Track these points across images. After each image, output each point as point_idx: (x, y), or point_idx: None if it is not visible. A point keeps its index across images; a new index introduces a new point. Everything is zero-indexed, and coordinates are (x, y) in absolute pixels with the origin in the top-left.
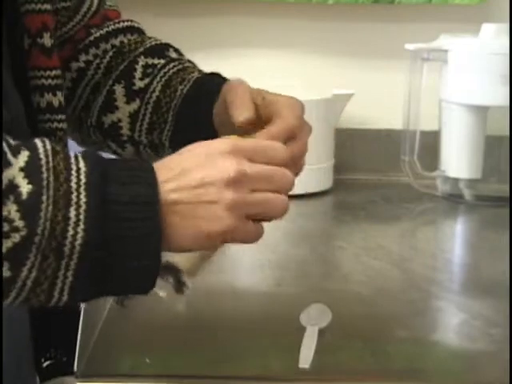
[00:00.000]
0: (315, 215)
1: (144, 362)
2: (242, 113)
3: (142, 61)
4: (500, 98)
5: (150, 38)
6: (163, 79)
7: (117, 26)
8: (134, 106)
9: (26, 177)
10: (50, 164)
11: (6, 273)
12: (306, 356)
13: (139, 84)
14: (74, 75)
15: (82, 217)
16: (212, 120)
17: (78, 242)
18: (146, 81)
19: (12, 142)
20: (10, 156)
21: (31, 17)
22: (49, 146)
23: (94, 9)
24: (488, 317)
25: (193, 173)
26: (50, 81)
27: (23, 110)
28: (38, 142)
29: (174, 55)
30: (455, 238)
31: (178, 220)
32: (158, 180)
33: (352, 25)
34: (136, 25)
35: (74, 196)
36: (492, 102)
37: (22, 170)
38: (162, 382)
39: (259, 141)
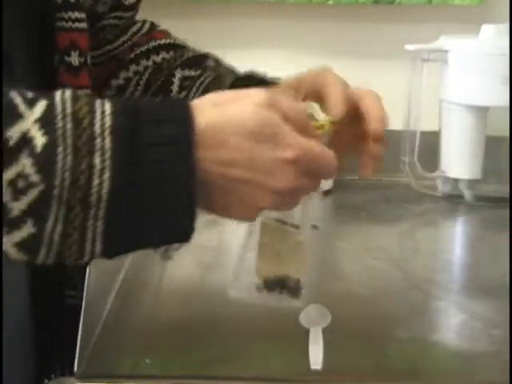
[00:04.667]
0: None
1: (144, 362)
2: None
3: (178, 73)
4: (500, 99)
5: (188, 50)
6: (200, 90)
7: (158, 42)
8: None
9: (40, 128)
10: (68, 110)
11: (31, 229)
12: (316, 357)
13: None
14: (114, 92)
15: (107, 163)
16: None
17: (105, 190)
18: (184, 94)
19: (29, 94)
20: (23, 108)
21: (61, 34)
22: (68, 93)
23: (143, 32)
24: (488, 317)
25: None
26: None
27: None
28: (57, 91)
29: (211, 64)
30: (455, 238)
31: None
32: (205, 146)
33: (352, 25)
34: (180, 42)
35: (97, 142)
36: (492, 103)
37: (37, 121)
38: (161, 383)
39: (322, 156)
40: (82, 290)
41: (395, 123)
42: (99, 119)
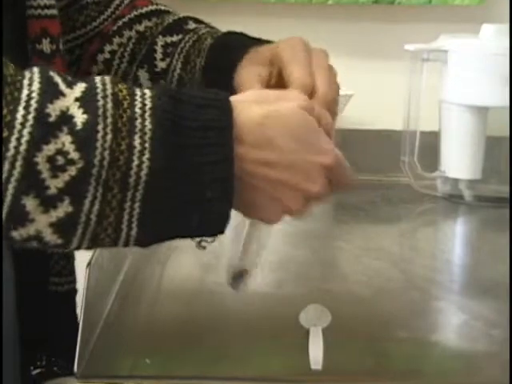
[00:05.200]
0: (315, 216)
1: (144, 362)
2: None
3: (160, 41)
4: (500, 99)
5: (169, 15)
6: (181, 56)
7: (140, 11)
8: None
9: (81, 106)
10: (108, 91)
11: (68, 208)
12: (316, 357)
13: (161, 65)
14: (101, 67)
15: (147, 145)
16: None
17: (144, 171)
18: (167, 61)
19: (69, 77)
20: (63, 87)
21: (31, 22)
22: (107, 77)
23: (126, 2)
24: (488, 317)
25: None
26: None
27: None
28: (96, 76)
29: (191, 26)
30: (455, 238)
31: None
32: (244, 140)
33: (352, 25)
34: (162, 7)
35: (138, 123)
36: (492, 103)
37: (77, 100)
38: (161, 383)
39: (347, 168)
40: (67, 276)
41: (395, 123)
42: (140, 101)
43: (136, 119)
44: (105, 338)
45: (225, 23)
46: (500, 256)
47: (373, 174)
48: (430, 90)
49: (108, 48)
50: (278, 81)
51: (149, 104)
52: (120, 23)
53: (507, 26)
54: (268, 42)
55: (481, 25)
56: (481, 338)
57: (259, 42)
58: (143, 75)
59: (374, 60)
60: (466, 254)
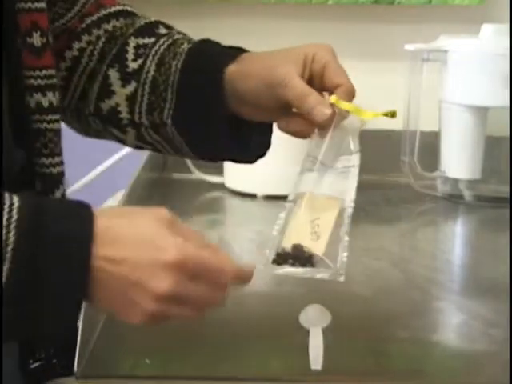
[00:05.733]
0: None
1: (144, 362)
2: (318, 113)
3: (132, 42)
4: (500, 99)
5: (140, 18)
6: (156, 57)
7: (108, 10)
8: (130, 88)
9: None
10: None
11: None
12: (316, 357)
13: (133, 65)
14: (69, 64)
15: (8, 255)
16: (219, 87)
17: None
18: (140, 62)
19: None
20: None
21: (21, 15)
22: None
23: (92, 0)
24: (488, 317)
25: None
26: (39, 81)
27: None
28: None
29: (163, 31)
30: (455, 238)
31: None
32: (96, 240)
33: (352, 25)
34: (129, 8)
35: (3, 234)
36: (492, 103)
37: None
38: (161, 383)
39: (210, 260)
40: None
41: (395, 123)
42: (7, 212)
43: (1, 230)
44: (105, 338)
45: (225, 24)
46: (500, 256)
47: (373, 174)
48: (430, 90)
49: (77, 45)
50: (308, 81)
51: (15, 215)
52: (88, 21)
53: (507, 26)
54: (246, 50)
55: (481, 25)
56: (481, 337)
57: (241, 49)
58: (114, 74)
59: (374, 60)
60: (466, 254)
